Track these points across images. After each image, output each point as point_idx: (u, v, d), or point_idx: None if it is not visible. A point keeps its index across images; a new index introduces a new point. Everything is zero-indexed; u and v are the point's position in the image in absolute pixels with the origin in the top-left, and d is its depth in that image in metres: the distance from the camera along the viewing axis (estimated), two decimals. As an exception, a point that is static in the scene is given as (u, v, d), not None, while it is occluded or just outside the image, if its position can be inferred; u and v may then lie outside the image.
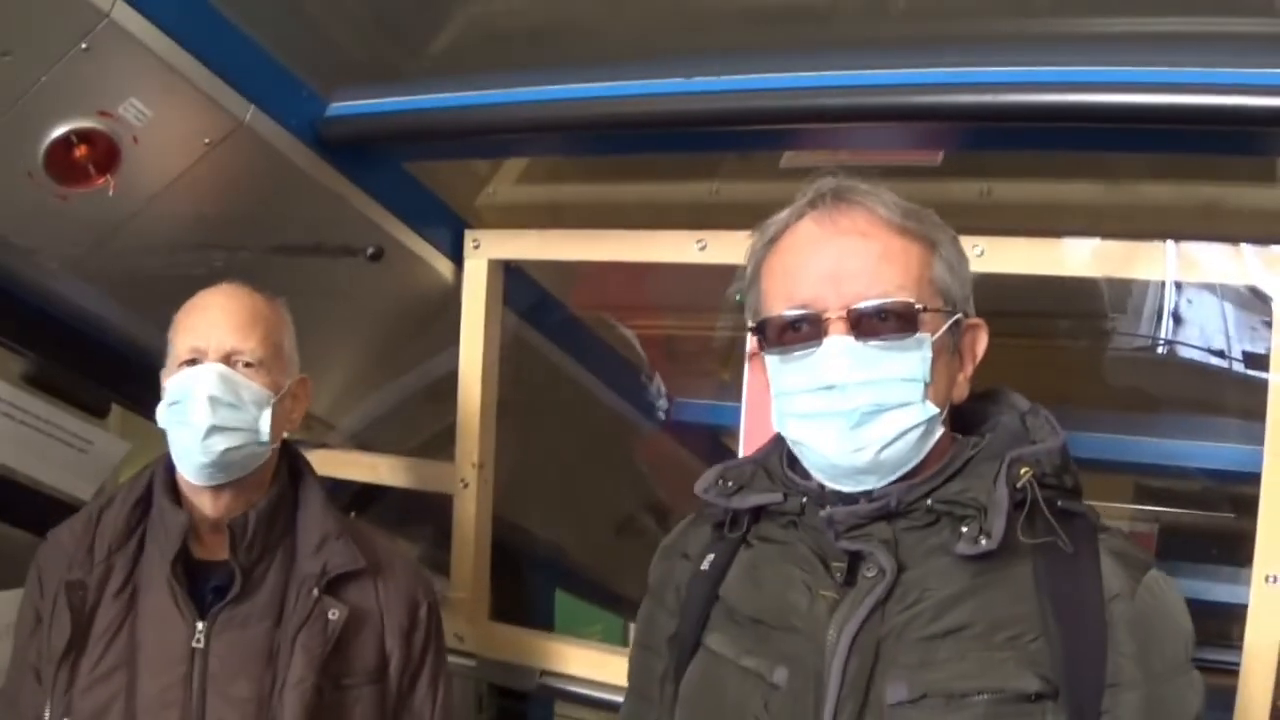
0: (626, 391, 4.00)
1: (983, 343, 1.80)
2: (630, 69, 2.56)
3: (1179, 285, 3.13)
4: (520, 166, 3.37)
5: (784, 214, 1.80)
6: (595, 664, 3.08)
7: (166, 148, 2.59)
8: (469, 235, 3.17)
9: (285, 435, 2.45)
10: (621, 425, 4.04)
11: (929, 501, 1.70)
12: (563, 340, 3.68)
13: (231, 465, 2.31)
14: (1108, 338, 3.23)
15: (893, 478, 1.70)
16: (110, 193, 2.56)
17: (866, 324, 1.67)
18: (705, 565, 1.91)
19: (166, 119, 2.52)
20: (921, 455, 1.70)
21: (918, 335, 1.68)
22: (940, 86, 2.29)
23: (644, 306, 3.99)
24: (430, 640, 2.49)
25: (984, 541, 1.61)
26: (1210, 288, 3.07)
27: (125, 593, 2.30)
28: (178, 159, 2.62)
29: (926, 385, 1.68)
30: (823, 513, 1.73)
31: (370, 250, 2.98)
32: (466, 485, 3.17)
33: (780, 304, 1.74)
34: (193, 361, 2.33)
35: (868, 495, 1.72)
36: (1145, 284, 3.09)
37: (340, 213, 2.93)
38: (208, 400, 2.27)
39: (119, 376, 3.21)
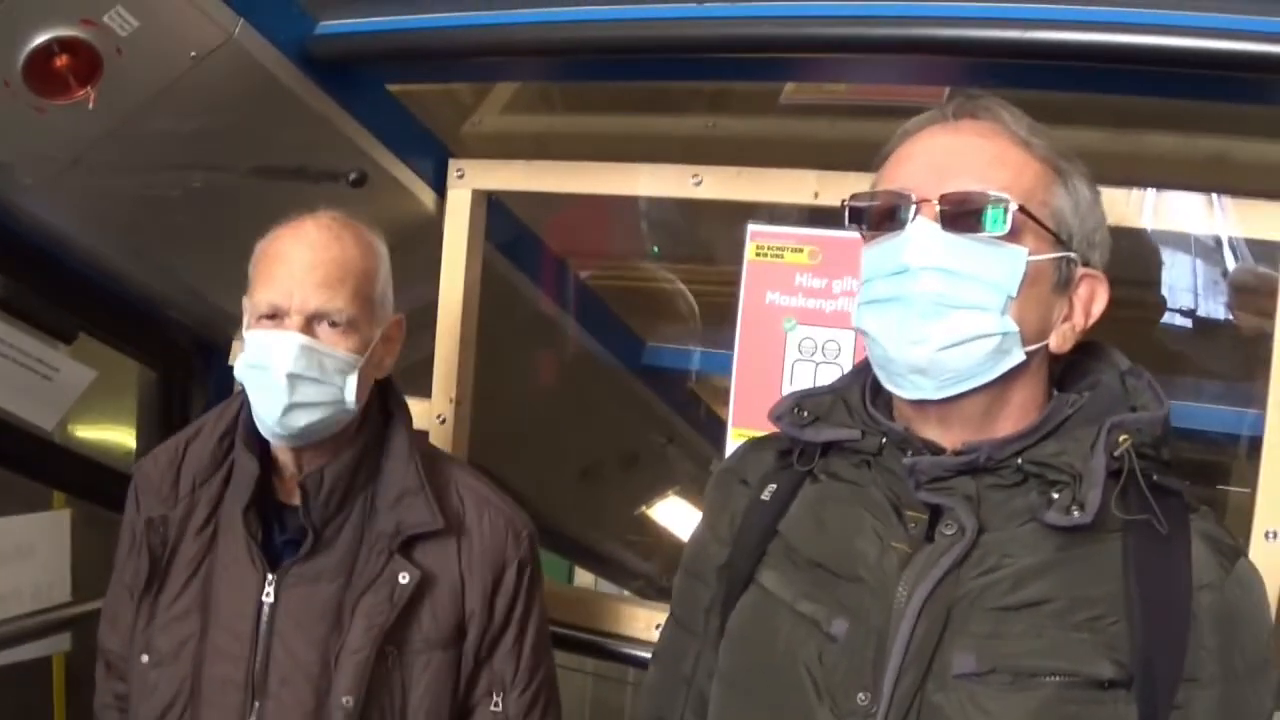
0: (600, 332, 3.95)
1: (1101, 300, 1.68)
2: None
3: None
4: (507, 95, 3.32)
5: (913, 121, 1.72)
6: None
7: (151, 60, 2.48)
8: (453, 164, 3.10)
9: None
10: (594, 367, 3.99)
11: (1019, 460, 1.61)
12: (539, 278, 3.63)
13: (312, 433, 2.17)
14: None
15: (953, 390, 1.60)
16: (90, 106, 2.46)
17: (957, 215, 1.58)
18: (765, 495, 1.83)
19: (153, 30, 2.42)
20: (991, 375, 1.60)
21: (1008, 245, 1.58)
22: (947, 19, 2.25)
23: (617, 250, 3.96)
24: (518, 601, 2.31)
25: (1077, 513, 1.53)
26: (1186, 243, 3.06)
27: (207, 530, 2.24)
28: (162, 72, 2.52)
29: (1010, 300, 1.58)
30: (906, 459, 1.65)
31: (353, 176, 2.88)
32: (443, 421, 3.11)
33: (882, 187, 1.68)
34: (273, 317, 2.14)
35: (956, 449, 1.64)
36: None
37: (324, 136, 2.84)
38: (287, 379, 2.10)
39: (88, 301, 3.12)
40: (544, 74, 3.05)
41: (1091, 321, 1.68)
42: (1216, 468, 3.52)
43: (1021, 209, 1.58)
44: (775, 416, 1.82)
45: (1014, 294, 1.59)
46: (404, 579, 2.17)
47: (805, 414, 1.79)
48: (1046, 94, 2.59)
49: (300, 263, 2.15)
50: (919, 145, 1.68)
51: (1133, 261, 2.98)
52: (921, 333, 1.59)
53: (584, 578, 6.07)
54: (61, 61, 2.40)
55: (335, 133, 2.86)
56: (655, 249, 3.90)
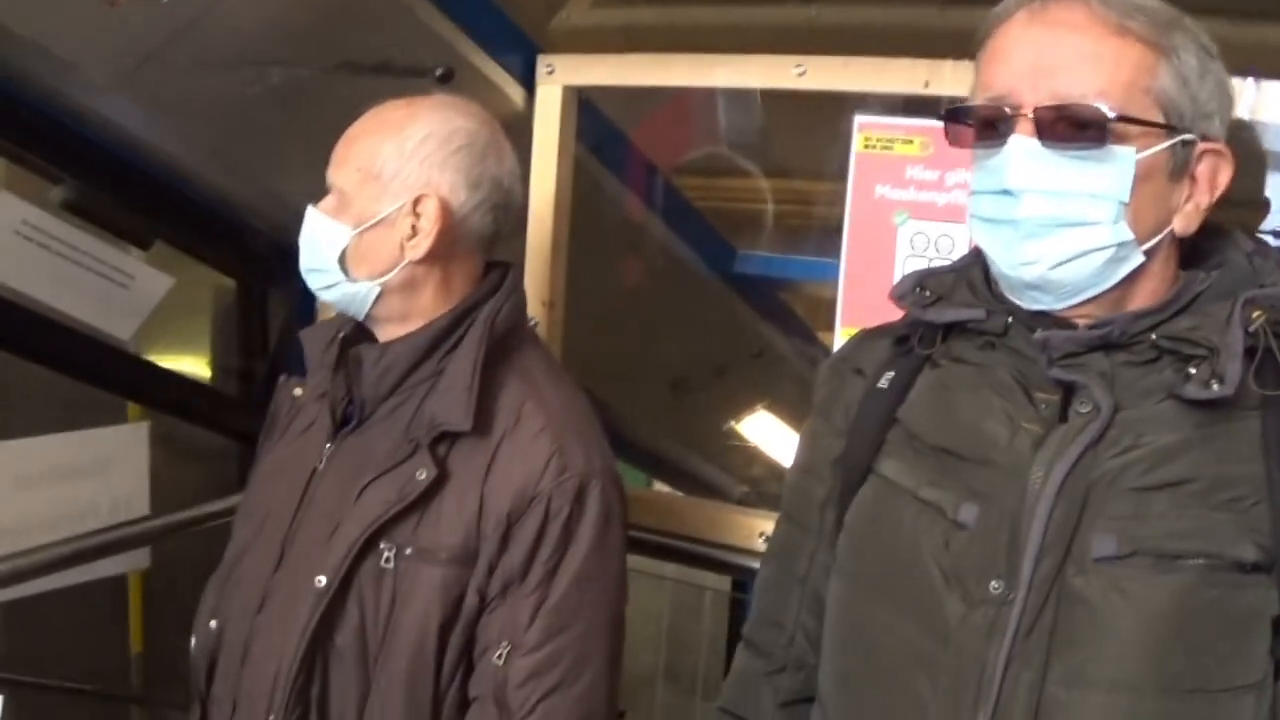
0: (693, 239, 3.84)
1: (1225, 174, 1.57)
2: None
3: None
4: (596, -12, 3.17)
5: (1001, 6, 1.60)
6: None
7: (228, -52, 2.38)
8: (542, 60, 2.95)
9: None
10: (683, 275, 3.88)
11: (1154, 336, 1.53)
12: (630, 181, 3.51)
13: (342, 302, 2.17)
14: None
15: (1074, 300, 1.54)
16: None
17: (1052, 128, 1.49)
18: (883, 383, 1.74)
19: (230, -85, 2.32)
20: (1111, 282, 1.53)
21: (1114, 148, 1.49)
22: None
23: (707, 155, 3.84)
24: (543, 543, 2.02)
25: (1216, 386, 1.45)
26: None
27: (321, 402, 2.21)
28: (239, -39, 2.42)
29: (1124, 205, 1.50)
30: (1036, 335, 1.56)
31: (440, 71, 2.77)
32: (535, 325, 2.98)
33: (978, 95, 1.58)
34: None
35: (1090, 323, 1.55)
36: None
37: (409, 29, 2.73)
38: (300, 244, 2.17)
39: (163, 206, 3.04)
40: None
41: (1218, 195, 1.58)
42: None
43: (1121, 116, 1.48)
44: (898, 296, 1.74)
45: (1126, 199, 1.51)
46: (420, 475, 2.02)
47: (928, 293, 1.71)
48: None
49: (344, 135, 2.17)
50: (1010, 39, 1.57)
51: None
52: (1030, 253, 1.53)
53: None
54: (133, -50, 2.31)
55: (420, 26, 2.74)
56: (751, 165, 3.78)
